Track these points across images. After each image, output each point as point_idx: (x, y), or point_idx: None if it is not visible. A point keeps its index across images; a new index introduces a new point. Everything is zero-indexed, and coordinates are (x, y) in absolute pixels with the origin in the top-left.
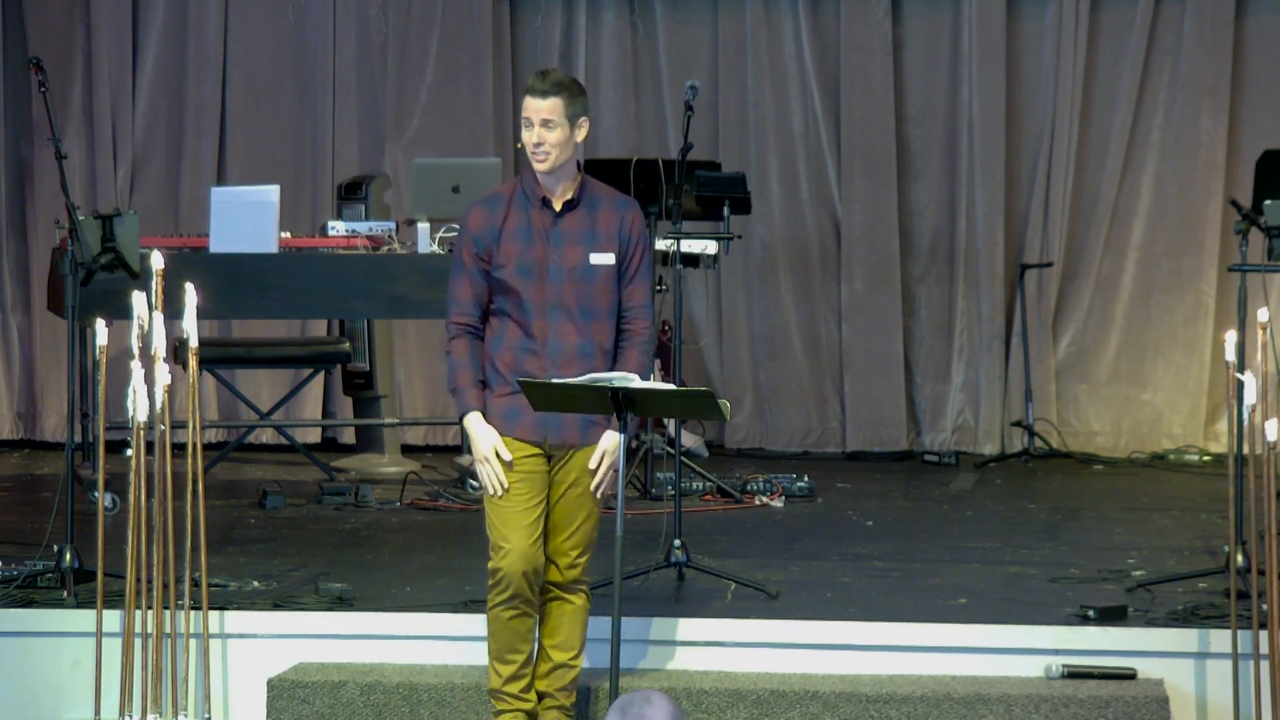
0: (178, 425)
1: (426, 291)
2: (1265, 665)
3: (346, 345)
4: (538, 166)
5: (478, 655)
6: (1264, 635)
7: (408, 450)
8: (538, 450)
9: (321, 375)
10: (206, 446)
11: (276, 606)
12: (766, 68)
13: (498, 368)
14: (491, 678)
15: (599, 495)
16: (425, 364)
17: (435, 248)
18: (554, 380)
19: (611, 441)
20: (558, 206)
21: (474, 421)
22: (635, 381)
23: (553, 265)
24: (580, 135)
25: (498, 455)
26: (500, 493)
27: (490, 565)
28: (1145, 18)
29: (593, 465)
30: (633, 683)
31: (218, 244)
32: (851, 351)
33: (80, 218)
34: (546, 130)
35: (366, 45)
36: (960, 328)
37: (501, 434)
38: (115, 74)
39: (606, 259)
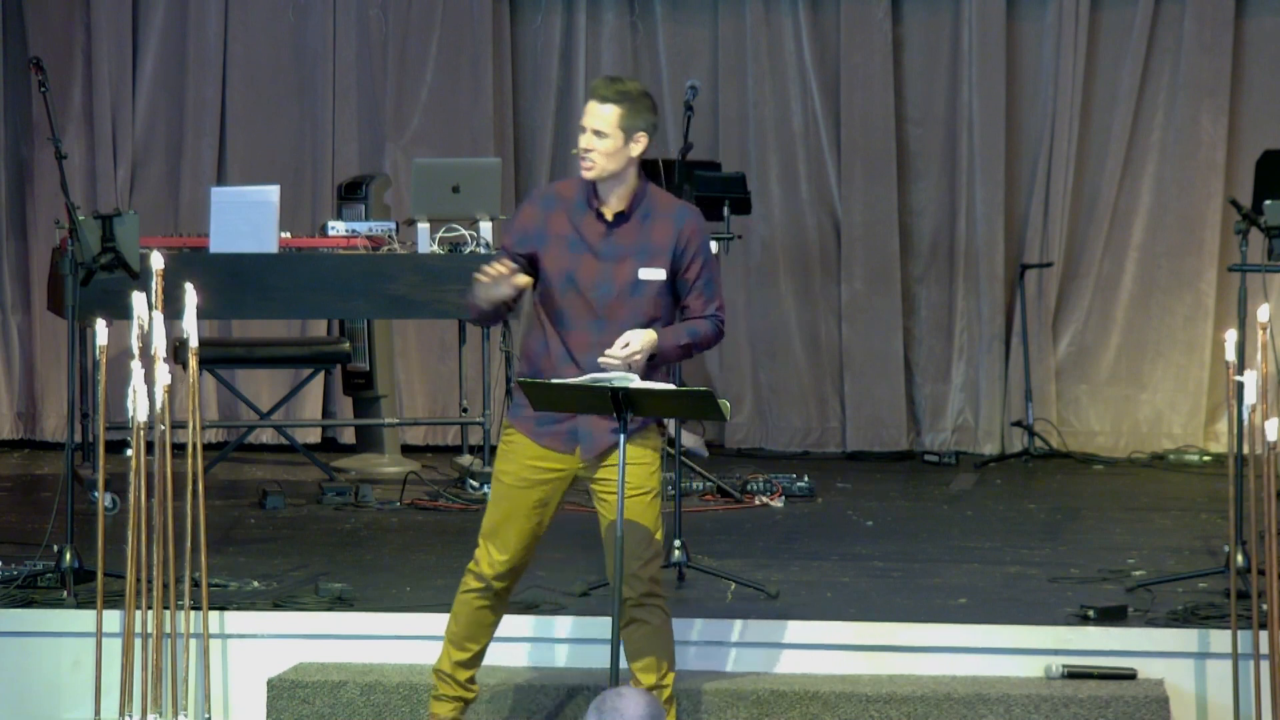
0: (178, 425)
1: (426, 291)
2: (1265, 665)
3: (346, 345)
4: (582, 172)
5: None
6: (1264, 635)
7: (408, 450)
8: (563, 466)
9: (321, 375)
10: (206, 446)
11: (276, 606)
12: (766, 68)
13: (540, 372)
14: (441, 658)
15: (603, 361)
16: (425, 364)
17: (435, 248)
18: (554, 381)
19: (644, 336)
20: (609, 216)
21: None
22: (635, 382)
23: (601, 278)
24: (636, 150)
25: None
26: (495, 273)
27: (477, 554)
28: (1145, 18)
29: (618, 345)
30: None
31: (218, 244)
32: (851, 351)
33: (80, 218)
34: (596, 138)
35: (366, 45)
36: (960, 328)
37: (532, 440)
38: (115, 74)
39: (656, 274)
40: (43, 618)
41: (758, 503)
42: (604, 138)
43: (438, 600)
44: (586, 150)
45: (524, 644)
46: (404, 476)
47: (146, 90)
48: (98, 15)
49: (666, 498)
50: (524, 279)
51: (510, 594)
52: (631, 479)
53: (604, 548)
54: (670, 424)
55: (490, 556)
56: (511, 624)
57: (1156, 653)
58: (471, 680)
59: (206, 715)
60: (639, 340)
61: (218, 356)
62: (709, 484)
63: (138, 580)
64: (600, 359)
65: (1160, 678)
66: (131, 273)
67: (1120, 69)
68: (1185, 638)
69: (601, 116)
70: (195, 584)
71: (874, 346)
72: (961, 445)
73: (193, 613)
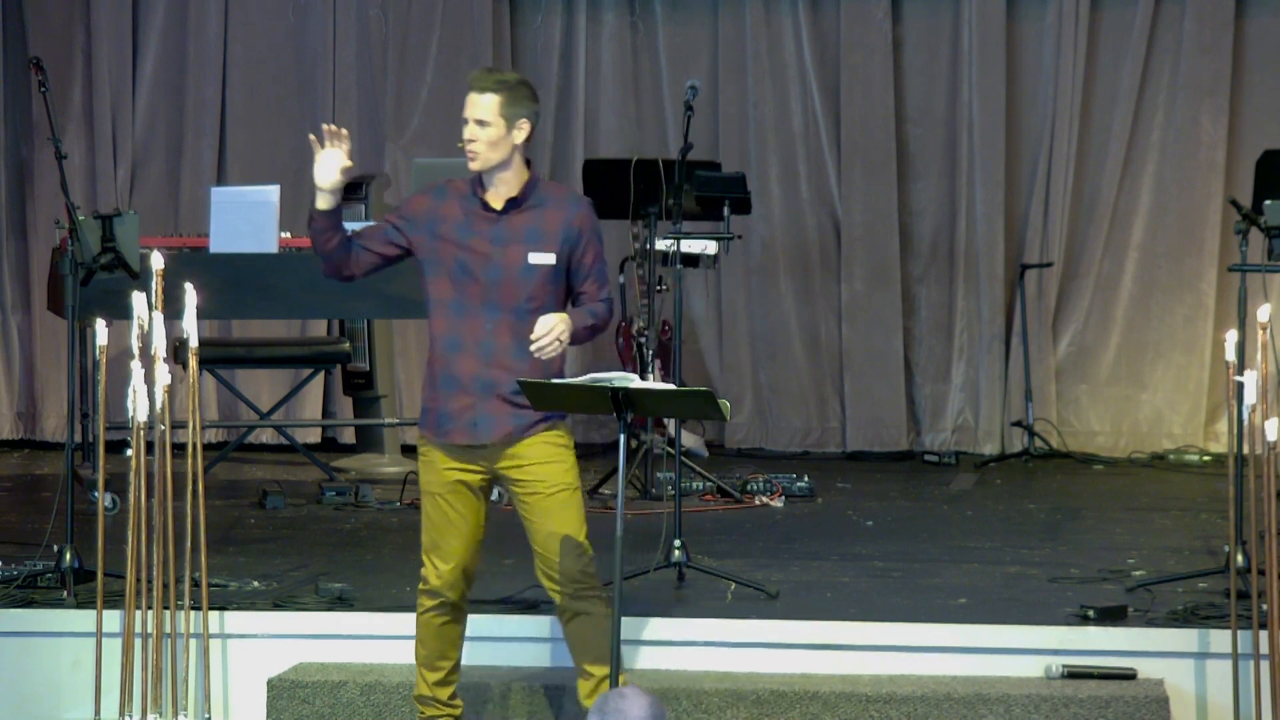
0: (178, 425)
1: None
2: (1265, 665)
3: (346, 345)
4: (468, 163)
5: (477, 656)
6: (1264, 635)
7: (408, 450)
8: (478, 469)
9: (321, 375)
10: (206, 446)
11: (276, 606)
12: (766, 68)
13: (434, 367)
14: (419, 684)
15: (534, 349)
16: (425, 364)
17: None
18: (554, 381)
19: (559, 316)
20: (497, 205)
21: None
22: (635, 381)
23: (492, 264)
24: (518, 137)
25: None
26: (330, 130)
27: (423, 572)
28: (1145, 18)
29: (539, 328)
30: (633, 682)
31: (218, 244)
32: (851, 351)
33: (80, 218)
34: (478, 128)
35: (366, 45)
36: (960, 328)
37: (437, 439)
38: (115, 74)
39: (546, 258)
40: (43, 618)
41: (758, 503)
42: (486, 127)
43: None
44: (470, 141)
45: (523, 644)
46: (404, 476)
47: (146, 90)
48: (98, 15)
49: (666, 497)
50: (347, 161)
51: (466, 602)
52: (549, 477)
53: (533, 552)
54: (670, 424)
55: (437, 569)
56: (510, 624)
57: (1156, 653)
58: (454, 696)
59: (206, 715)
60: (556, 320)
61: (218, 356)
62: (709, 484)
63: (138, 580)
64: (532, 348)
65: (1160, 678)
66: (131, 273)
67: (1120, 69)
68: (1185, 638)
69: (482, 106)
70: (195, 584)
71: (874, 346)
72: (961, 445)
73: (193, 613)
